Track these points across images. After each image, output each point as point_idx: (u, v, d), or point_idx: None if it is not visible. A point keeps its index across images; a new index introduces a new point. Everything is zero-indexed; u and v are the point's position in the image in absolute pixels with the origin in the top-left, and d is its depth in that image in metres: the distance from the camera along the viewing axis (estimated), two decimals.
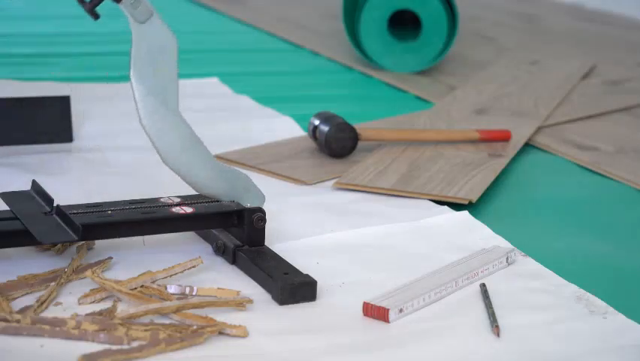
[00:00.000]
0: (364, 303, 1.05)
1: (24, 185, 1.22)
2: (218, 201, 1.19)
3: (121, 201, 1.16)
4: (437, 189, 1.43)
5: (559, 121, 1.85)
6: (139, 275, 1.08)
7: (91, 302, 1.04)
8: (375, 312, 1.04)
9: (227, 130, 1.70)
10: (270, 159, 1.54)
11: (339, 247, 1.23)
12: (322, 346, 0.99)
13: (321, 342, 0.99)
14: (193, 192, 1.21)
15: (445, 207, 1.38)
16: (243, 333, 0.99)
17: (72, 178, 1.42)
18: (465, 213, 1.35)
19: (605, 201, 1.47)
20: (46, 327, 0.96)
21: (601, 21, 3.08)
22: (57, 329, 0.96)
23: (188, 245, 1.21)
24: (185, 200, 1.18)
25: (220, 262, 1.16)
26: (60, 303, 1.04)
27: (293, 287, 1.07)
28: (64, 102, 1.56)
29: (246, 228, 1.16)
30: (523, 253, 1.22)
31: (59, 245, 1.15)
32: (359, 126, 1.61)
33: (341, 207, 1.37)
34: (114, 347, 0.94)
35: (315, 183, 1.47)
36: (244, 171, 1.22)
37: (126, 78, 2.08)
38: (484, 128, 1.70)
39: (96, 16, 1.10)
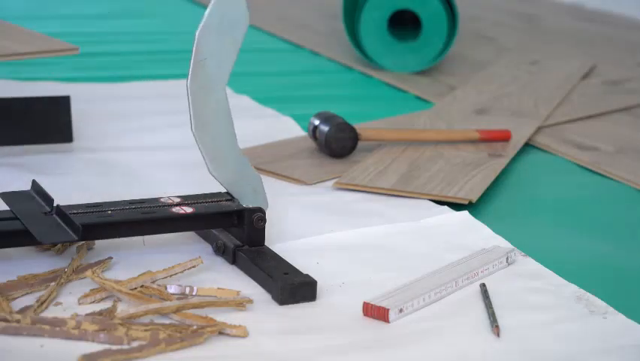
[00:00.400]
0: (364, 303, 1.05)
1: (24, 185, 1.22)
2: (217, 201, 1.19)
3: (121, 201, 1.16)
4: (437, 189, 1.43)
5: (559, 121, 1.85)
6: (139, 275, 1.08)
7: (91, 302, 1.04)
8: (375, 312, 1.04)
9: None
10: (270, 159, 1.54)
11: (339, 247, 1.23)
12: (322, 346, 0.99)
13: (321, 342, 0.99)
14: (193, 192, 1.21)
15: (445, 207, 1.38)
16: (243, 333, 0.99)
17: (72, 178, 1.42)
18: (465, 213, 1.35)
19: (605, 201, 1.47)
20: (46, 327, 0.96)
21: (601, 21, 3.08)
22: (57, 329, 0.96)
23: (188, 245, 1.21)
24: (185, 200, 1.18)
25: (220, 262, 1.16)
26: (60, 303, 1.04)
27: (293, 287, 1.07)
28: (64, 102, 1.56)
29: (246, 228, 1.16)
30: (523, 253, 1.22)
31: (59, 245, 1.15)
32: (359, 126, 1.61)
33: (341, 207, 1.37)
34: (114, 347, 0.94)
35: (315, 183, 1.47)
36: None
37: (126, 78, 2.09)
38: (484, 128, 1.70)
39: None
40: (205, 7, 3.26)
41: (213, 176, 1.17)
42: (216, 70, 1.14)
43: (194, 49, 1.13)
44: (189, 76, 1.13)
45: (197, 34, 1.13)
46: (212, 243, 1.18)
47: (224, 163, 1.17)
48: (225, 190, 1.21)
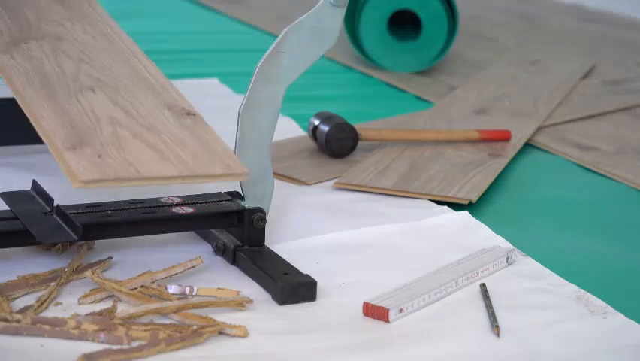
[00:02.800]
0: (364, 303, 1.05)
1: (24, 185, 1.22)
2: (217, 201, 1.19)
3: (121, 201, 1.16)
4: (437, 189, 1.43)
5: (559, 121, 1.85)
6: (139, 275, 1.08)
7: (91, 302, 1.04)
8: (375, 312, 1.04)
9: (227, 130, 1.70)
10: None
11: (339, 247, 1.23)
12: (322, 346, 0.99)
13: (321, 342, 0.99)
14: (193, 193, 1.21)
15: (445, 207, 1.38)
16: (243, 333, 0.99)
17: None
18: (465, 213, 1.35)
19: (605, 201, 1.47)
20: (46, 327, 0.96)
21: (601, 21, 3.08)
22: (57, 329, 0.96)
23: (188, 245, 1.21)
24: (185, 200, 1.18)
25: (220, 262, 1.16)
26: (60, 303, 1.04)
27: (293, 287, 1.07)
28: None
29: (246, 228, 1.16)
30: (523, 253, 1.22)
31: (59, 245, 1.15)
32: (359, 126, 1.61)
33: (341, 207, 1.37)
34: (114, 347, 0.94)
35: (315, 183, 1.47)
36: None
37: None
38: (484, 129, 1.70)
39: None
40: (205, 7, 3.26)
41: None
42: (288, 68, 1.18)
43: (278, 39, 1.16)
44: (262, 59, 1.16)
45: (287, 28, 1.16)
46: (212, 243, 1.18)
47: (251, 155, 1.18)
48: (227, 191, 1.21)
